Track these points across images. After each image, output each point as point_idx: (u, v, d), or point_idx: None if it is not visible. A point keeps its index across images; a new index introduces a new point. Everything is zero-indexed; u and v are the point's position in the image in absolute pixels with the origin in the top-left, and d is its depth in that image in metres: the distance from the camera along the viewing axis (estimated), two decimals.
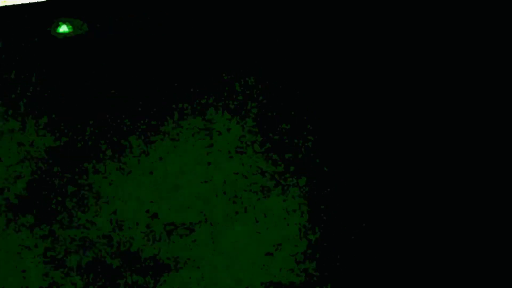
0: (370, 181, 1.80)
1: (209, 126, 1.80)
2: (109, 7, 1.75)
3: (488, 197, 1.80)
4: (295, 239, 1.79)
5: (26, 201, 1.76)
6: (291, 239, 1.79)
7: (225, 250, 1.78)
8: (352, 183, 1.80)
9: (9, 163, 1.76)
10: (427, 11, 1.79)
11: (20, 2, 1.73)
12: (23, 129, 1.77)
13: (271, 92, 1.80)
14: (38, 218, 1.76)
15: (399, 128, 1.80)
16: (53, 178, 1.77)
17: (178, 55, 1.79)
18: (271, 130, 1.80)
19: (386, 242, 1.79)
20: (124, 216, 1.78)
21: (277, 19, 1.79)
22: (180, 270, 1.78)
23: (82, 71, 1.77)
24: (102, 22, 1.75)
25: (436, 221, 1.80)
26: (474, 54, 1.81)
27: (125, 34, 1.76)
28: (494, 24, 1.79)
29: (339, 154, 1.80)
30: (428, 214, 1.80)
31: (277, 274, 1.78)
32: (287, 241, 1.79)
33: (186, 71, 1.79)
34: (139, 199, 1.78)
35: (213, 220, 1.79)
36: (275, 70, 1.80)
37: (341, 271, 1.79)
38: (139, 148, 1.78)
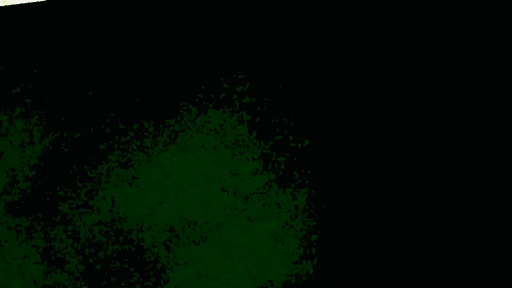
0: (371, 180, 1.80)
1: (210, 126, 1.80)
2: (109, 7, 1.75)
3: (489, 197, 1.80)
4: (296, 237, 1.79)
5: (27, 201, 1.76)
6: (292, 237, 1.79)
7: (226, 249, 1.78)
8: (354, 182, 1.80)
9: (8, 163, 1.76)
10: (427, 11, 1.80)
11: (20, 2, 1.73)
12: (22, 130, 1.77)
13: (272, 92, 1.81)
14: (38, 219, 1.76)
15: (400, 128, 1.81)
16: (53, 179, 1.77)
17: (178, 55, 1.79)
18: (273, 130, 1.80)
19: (387, 242, 1.79)
20: (125, 215, 1.78)
21: (277, 19, 1.79)
22: (182, 269, 1.78)
23: (82, 71, 1.77)
24: (102, 22, 1.75)
25: (437, 221, 1.80)
26: (474, 54, 1.81)
27: (125, 33, 1.76)
28: (494, 24, 1.80)
29: (340, 153, 1.81)
30: (429, 213, 1.80)
31: (279, 272, 1.78)
32: (288, 240, 1.79)
33: (186, 70, 1.79)
34: (140, 199, 1.78)
35: (214, 219, 1.79)
36: (277, 70, 1.80)
37: (342, 270, 1.79)
38: (140, 148, 1.78)
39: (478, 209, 1.79)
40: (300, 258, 1.78)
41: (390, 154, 1.80)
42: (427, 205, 1.80)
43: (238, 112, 1.80)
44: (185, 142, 1.79)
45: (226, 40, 1.79)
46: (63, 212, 1.77)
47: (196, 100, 1.79)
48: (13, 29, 1.73)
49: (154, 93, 1.78)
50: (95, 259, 1.76)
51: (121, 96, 1.78)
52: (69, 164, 1.77)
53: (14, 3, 1.72)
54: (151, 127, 1.79)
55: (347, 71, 1.81)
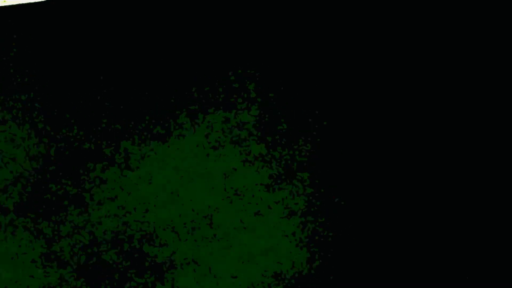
0: (371, 179, 1.80)
1: (210, 125, 1.80)
2: (109, 7, 1.75)
3: (489, 197, 1.80)
4: (296, 236, 1.79)
5: (27, 201, 1.76)
6: (292, 236, 1.79)
7: (226, 248, 1.78)
8: (354, 182, 1.80)
9: (8, 162, 1.76)
10: (427, 11, 1.80)
11: (20, 2, 1.73)
12: (22, 130, 1.77)
13: (271, 91, 1.81)
14: (39, 219, 1.76)
15: (400, 127, 1.81)
16: (53, 180, 1.77)
17: (180, 54, 1.79)
18: (272, 128, 1.80)
19: (387, 242, 1.79)
20: (126, 216, 1.78)
21: (278, 18, 1.79)
22: (182, 269, 1.78)
23: (82, 71, 1.77)
24: (102, 22, 1.75)
25: (436, 220, 1.80)
26: (474, 54, 1.81)
27: (125, 33, 1.76)
28: (494, 24, 1.80)
29: (340, 152, 1.80)
30: (428, 213, 1.80)
31: (278, 272, 1.78)
32: (288, 239, 1.79)
33: (185, 70, 1.79)
34: (140, 199, 1.78)
35: (215, 217, 1.79)
36: (276, 69, 1.80)
37: (342, 270, 1.79)
38: (139, 149, 1.78)
39: (478, 209, 1.79)
40: (300, 258, 1.78)
41: (390, 154, 1.80)
42: (427, 206, 1.79)
43: (241, 110, 1.80)
44: (187, 140, 1.79)
45: (229, 39, 1.79)
46: (63, 211, 1.77)
47: (198, 99, 1.79)
48: (13, 29, 1.73)
49: (155, 91, 1.78)
50: (95, 259, 1.76)
51: (121, 96, 1.78)
52: (69, 164, 1.77)
53: (14, 3, 1.72)
54: (152, 126, 1.79)
55: (349, 71, 1.81)
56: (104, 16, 1.75)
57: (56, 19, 1.74)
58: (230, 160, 1.79)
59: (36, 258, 1.76)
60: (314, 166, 1.80)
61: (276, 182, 1.80)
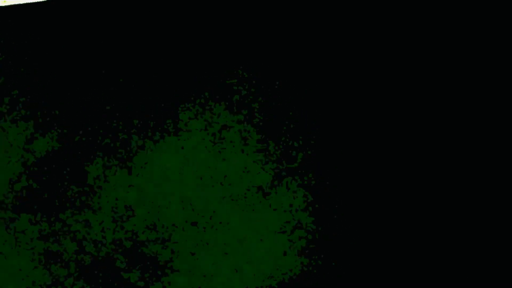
0: (372, 180, 1.80)
1: (211, 125, 1.80)
2: (109, 7, 1.75)
3: (489, 197, 1.80)
4: (297, 236, 1.79)
5: (26, 200, 1.76)
6: (292, 236, 1.79)
7: (226, 248, 1.78)
8: (354, 182, 1.80)
9: (8, 161, 1.76)
10: (427, 11, 1.80)
11: (20, 2, 1.73)
12: (22, 130, 1.77)
13: (273, 90, 1.81)
14: (38, 217, 1.76)
15: (402, 127, 1.81)
16: (52, 179, 1.77)
17: (179, 54, 1.79)
18: (273, 128, 1.80)
19: (387, 242, 1.79)
20: (126, 214, 1.78)
21: (279, 18, 1.79)
22: (182, 268, 1.78)
23: (82, 71, 1.77)
24: (102, 22, 1.75)
25: (437, 221, 1.80)
26: (474, 54, 1.81)
27: (125, 33, 1.76)
28: (494, 24, 1.80)
29: (341, 152, 1.81)
30: (429, 213, 1.80)
31: (278, 271, 1.78)
32: (288, 239, 1.79)
33: (186, 69, 1.79)
34: (140, 198, 1.78)
35: (215, 218, 1.79)
36: (277, 68, 1.80)
37: (342, 270, 1.79)
38: (140, 147, 1.78)
39: (478, 208, 1.79)
40: (300, 258, 1.78)
41: (390, 154, 1.80)
42: (427, 205, 1.80)
43: (241, 109, 1.80)
44: (186, 140, 1.79)
45: (228, 39, 1.79)
46: (62, 211, 1.77)
47: (198, 98, 1.79)
48: (13, 29, 1.73)
49: (155, 91, 1.78)
50: (94, 259, 1.76)
51: (121, 96, 1.78)
52: (69, 164, 1.77)
53: (14, 3, 1.72)
54: (152, 126, 1.79)
55: (349, 71, 1.81)
56: (104, 16, 1.75)
57: (56, 19, 1.74)
58: (229, 160, 1.79)
59: (35, 258, 1.76)
60: (314, 166, 1.80)
61: (276, 182, 1.80)
